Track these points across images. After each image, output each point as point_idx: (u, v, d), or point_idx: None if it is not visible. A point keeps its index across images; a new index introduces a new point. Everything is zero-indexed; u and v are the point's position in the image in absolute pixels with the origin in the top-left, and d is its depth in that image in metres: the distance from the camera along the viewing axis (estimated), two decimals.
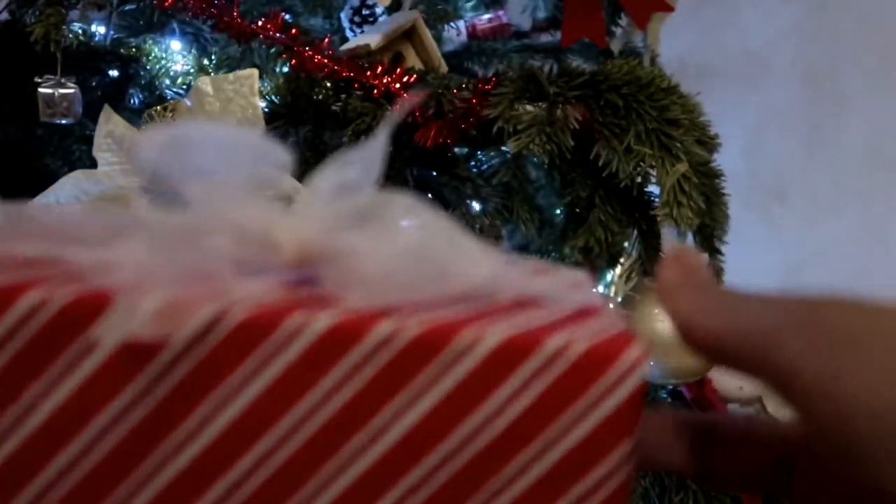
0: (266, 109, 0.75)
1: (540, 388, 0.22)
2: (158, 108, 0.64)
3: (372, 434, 0.22)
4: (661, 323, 0.73)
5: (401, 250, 0.24)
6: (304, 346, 0.22)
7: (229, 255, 0.24)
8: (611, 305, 0.96)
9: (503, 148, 0.72)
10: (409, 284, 0.23)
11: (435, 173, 0.84)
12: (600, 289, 1.02)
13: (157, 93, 0.90)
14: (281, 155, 0.27)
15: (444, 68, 0.84)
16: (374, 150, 0.27)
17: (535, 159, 0.80)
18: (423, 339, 0.22)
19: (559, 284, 0.27)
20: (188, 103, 0.64)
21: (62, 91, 0.79)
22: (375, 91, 0.73)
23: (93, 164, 0.63)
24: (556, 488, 0.23)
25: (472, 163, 0.90)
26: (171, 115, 0.64)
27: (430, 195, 0.84)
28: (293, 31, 0.74)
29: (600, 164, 0.67)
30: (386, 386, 0.22)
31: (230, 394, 0.22)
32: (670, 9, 1.02)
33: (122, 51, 0.89)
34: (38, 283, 0.22)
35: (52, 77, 0.79)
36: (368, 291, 0.23)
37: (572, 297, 0.26)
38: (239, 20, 0.73)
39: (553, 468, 0.23)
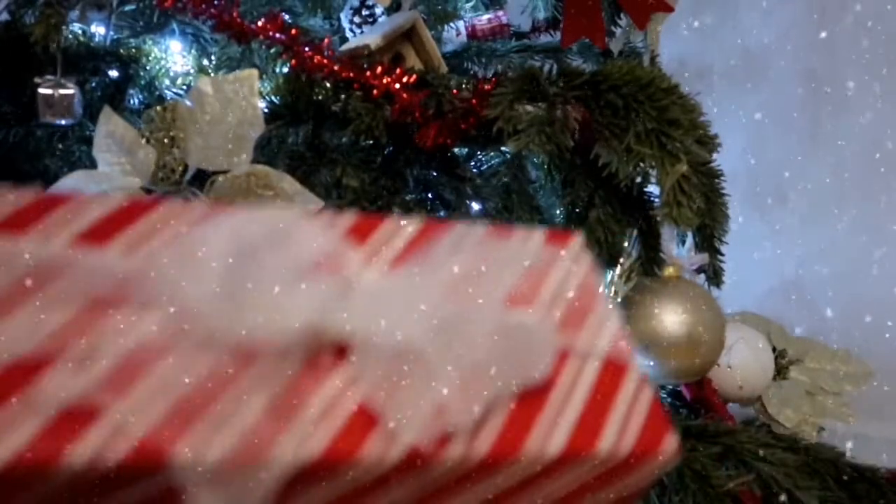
0: (266, 109, 0.75)
1: (591, 475, 0.26)
2: (158, 108, 0.64)
3: None
4: (660, 323, 0.73)
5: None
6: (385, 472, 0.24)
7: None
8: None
9: (503, 148, 0.72)
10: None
11: (435, 173, 0.84)
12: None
13: (157, 93, 0.90)
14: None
15: (444, 68, 0.84)
16: None
17: (535, 159, 0.80)
18: (490, 459, 0.24)
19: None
20: (188, 104, 0.64)
21: (62, 91, 0.79)
22: (375, 91, 0.73)
23: (93, 164, 0.63)
24: None
25: (472, 163, 0.90)
26: (170, 115, 0.64)
27: (430, 195, 0.84)
28: (293, 31, 0.74)
29: (600, 164, 0.67)
30: (462, 491, 0.25)
31: None
32: (670, 9, 1.02)
33: (121, 51, 0.89)
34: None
35: (51, 77, 0.79)
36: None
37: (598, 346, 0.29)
38: (239, 20, 0.73)
39: None
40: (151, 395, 0.21)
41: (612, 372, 0.29)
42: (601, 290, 0.31)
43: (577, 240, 0.34)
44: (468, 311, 0.26)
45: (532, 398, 0.26)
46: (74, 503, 0.21)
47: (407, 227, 0.29)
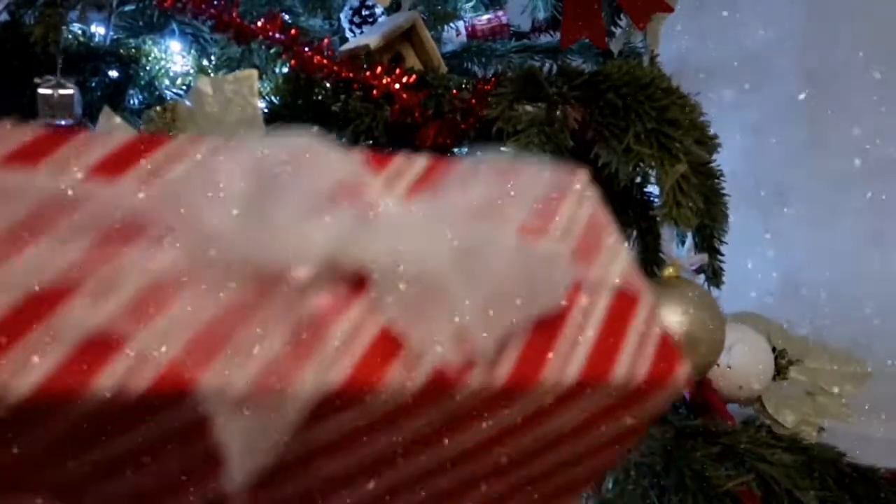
0: (266, 110, 0.75)
1: (606, 403, 0.27)
2: (158, 108, 0.64)
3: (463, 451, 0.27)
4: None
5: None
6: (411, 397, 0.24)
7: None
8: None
9: (503, 148, 0.72)
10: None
11: None
12: None
13: (157, 93, 0.90)
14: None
15: (443, 68, 0.84)
16: None
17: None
18: (510, 386, 0.25)
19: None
20: (188, 104, 0.63)
21: (62, 91, 0.79)
22: (375, 91, 0.73)
23: None
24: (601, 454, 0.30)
25: None
26: (170, 115, 0.64)
27: None
28: (293, 31, 0.74)
29: (599, 164, 0.67)
30: (482, 419, 0.26)
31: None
32: (670, 9, 1.02)
33: (121, 51, 0.89)
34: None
35: (51, 77, 0.79)
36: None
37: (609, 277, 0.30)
38: (239, 20, 0.73)
39: (596, 446, 0.29)
40: (175, 325, 0.22)
41: (625, 303, 0.30)
42: (610, 223, 0.32)
43: (584, 174, 0.34)
44: (487, 239, 0.26)
45: (548, 327, 0.27)
46: (99, 433, 0.21)
47: (420, 160, 0.30)
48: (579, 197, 0.32)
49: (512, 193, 0.29)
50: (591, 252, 0.30)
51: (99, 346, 0.21)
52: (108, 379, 0.20)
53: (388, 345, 0.24)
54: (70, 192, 0.23)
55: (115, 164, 0.25)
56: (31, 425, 0.20)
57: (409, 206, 0.27)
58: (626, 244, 0.32)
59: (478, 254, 0.25)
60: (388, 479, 0.27)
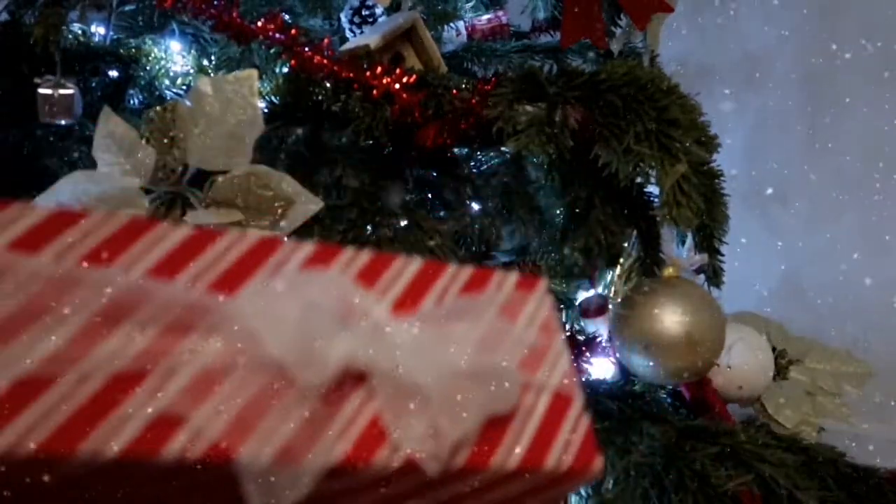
0: (266, 110, 0.75)
1: (538, 484, 0.35)
2: (158, 108, 0.64)
3: None
4: (660, 324, 0.73)
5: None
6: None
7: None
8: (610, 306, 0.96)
9: (503, 148, 0.72)
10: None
11: (435, 173, 0.84)
12: (600, 289, 1.02)
13: (157, 93, 0.90)
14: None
15: (443, 68, 0.84)
16: None
17: (535, 159, 0.80)
18: (466, 469, 0.32)
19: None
20: (188, 104, 0.64)
21: (62, 91, 0.79)
22: (375, 91, 0.73)
23: (93, 164, 0.63)
24: None
25: (472, 163, 0.90)
26: (170, 115, 0.64)
27: (430, 195, 0.84)
28: (293, 31, 0.74)
29: (600, 164, 0.67)
30: (442, 490, 0.33)
31: None
32: (670, 9, 1.02)
33: (121, 51, 0.89)
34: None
35: (51, 77, 0.79)
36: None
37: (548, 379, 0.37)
38: (238, 20, 0.73)
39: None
40: (219, 408, 0.28)
41: (560, 403, 0.36)
42: (558, 330, 0.39)
43: (542, 284, 0.40)
44: (459, 354, 0.33)
45: (498, 423, 0.34)
46: (161, 486, 0.27)
47: (406, 270, 0.36)
48: (534, 308, 0.39)
49: (478, 309, 0.36)
50: (538, 359, 0.37)
51: (166, 422, 0.27)
52: (173, 448, 0.26)
53: (376, 433, 0.31)
54: (139, 289, 0.29)
55: (173, 264, 0.31)
56: (117, 481, 0.27)
57: (405, 324, 0.34)
58: (566, 348, 0.38)
59: (451, 368, 0.32)
60: None
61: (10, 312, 0.26)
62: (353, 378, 0.31)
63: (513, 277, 0.39)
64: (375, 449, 0.30)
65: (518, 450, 0.33)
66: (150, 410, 0.27)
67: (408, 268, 0.36)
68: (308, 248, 0.34)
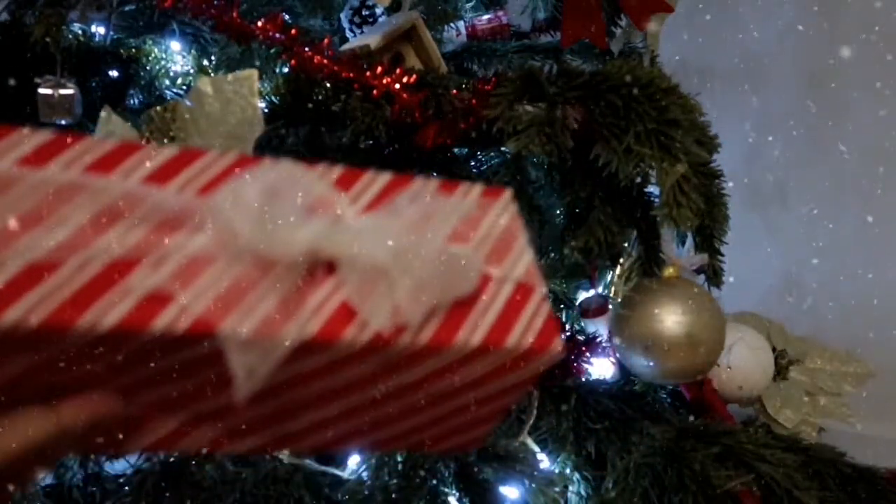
0: (266, 110, 0.75)
1: (500, 363, 0.38)
2: (158, 108, 0.64)
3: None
4: (660, 324, 0.73)
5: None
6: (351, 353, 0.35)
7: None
8: (610, 306, 0.96)
9: (503, 148, 0.72)
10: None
11: (435, 173, 0.84)
12: (600, 289, 1.02)
13: (157, 93, 0.90)
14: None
15: (444, 68, 0.84)
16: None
17: (535, 159, 0.80)
18: (430, 346, 0.36)
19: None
20: (188, 104, 0.64)
21: (62, 91, 0.79)
22: (375, 91, 0.73)
23: None
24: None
25: (472, 163, 0.90)
26: (170, 115, 0.64)
27: None
28: (293, 31, 0.74)
29: (600, 164, 0.67)
30: (409, 369, 0.37)
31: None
32: (670, 9, 1.02)
33: (121, 51, 0.89)
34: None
35: (52, 77, 0.79)
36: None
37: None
38: (239, 21, 0.73)
39: (492, 394, 0.41)
40: (205, 289, 0.32)
41: (523, 292, 0.40)
42: (519, 231, 0.42)
43: (507, 194, 0.44)
44: (421, 242, 0.37)
45: (462, 307, 0.37)
46: (154, 358, 0.32)
47: (380, 179, 0.40)
48: (501, 210, 0.43)
49: (447, 209, 0.40)
50: (502, 254, 0.41)
51: (156, 300, 0.31)
52: (161, 321, 0.31)
53: (346, 313, 0.34)
54: (135, 193, 0.33)
55: (164, 174, 0.35)
56: (113, 350, 0.31)
57: (369, 216, 0.38)
58: (530, 248, 0.42)
59: (414, 252, 0.36)
60: (340, 405, 0.38)
61: (23, 212, 0.31)
62: (324, 267, 0.35)
63: (479, 187, 0.43)
64: (345, 326, 0.34)
65: (481, 329, 0.37)
66: (141, 291, 0.31)
67: (379, 177, 0.40)
68: (286, 163, 0.38)
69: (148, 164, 0.35)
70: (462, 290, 0.37)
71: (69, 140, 0.34)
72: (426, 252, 0.36)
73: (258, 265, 0.33)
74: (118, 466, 0.83)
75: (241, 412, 0.36)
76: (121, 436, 0.36)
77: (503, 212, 0.43)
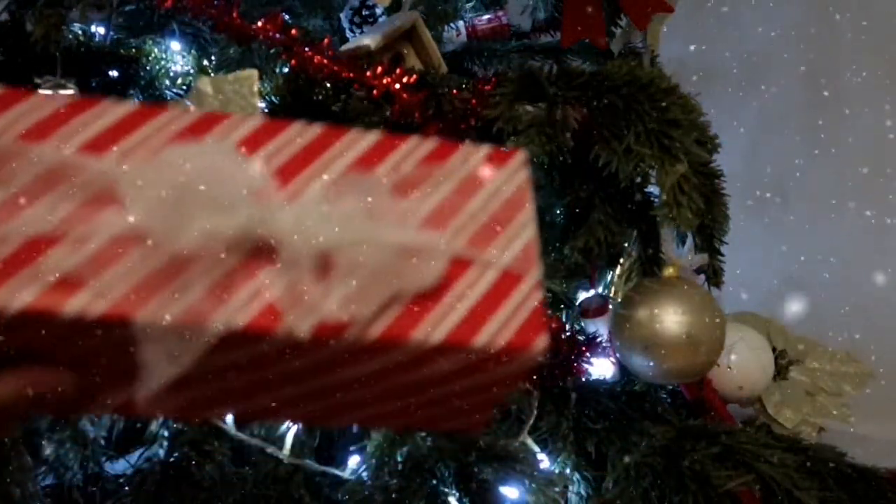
0: (266, 110, 0.75)
1: (468, 363, 0.34)
2: None
3: None
4: (660, 324, 0.73)
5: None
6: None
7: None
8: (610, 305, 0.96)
9: (503, 148, 0.72)
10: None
11: None
12: (600, 289, 1.02)
13: (157, 93, 0.90)
14: None
15: (444, 69, 0.84)
16: None
17: (535, 159, 0.80)
18: (381, 342, 0.32)
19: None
20: (188, 104, 0.64)
21: (62, 91, 0.79)
22: (375, 91, 0.73)
23: None
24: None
25: None
26: None
27: None
28: (293, 31, 0.74)
29: (600, 164, 0.67)
30: (358, 363, 0.34)
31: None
32: (670, 9, 1.02)
33: (122, 51, 0.89)
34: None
35: (52, 77, 0.79)
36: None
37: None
38: (239, 21, 0.73)
39: (465, 391, 0.36)
40: (125, 273, 0.30)
41: (508, 280, 0.35)
42: (526, 205, 0.37)
43: (519, 157, 0.39)
44: (378, 227, 0.33)
45: (428, 299, 0.33)
46: (65, 344, 0.30)
47: (363, 142, 0.36)
48: (502, 181, 0.37)
49: (434, 178, 0.36)
50: (491, 234, 0.36)
51: (71, 283, 0.29)
52: (72, 306, 0.29)
53: (284, 303, 0.31)
54: (69, 162, 0.31)
55: (103, 142, 0.32)
56: (19, 334, 0.30)
57: (325, 194, 0.34)
58: (534, 225, 0.37)
59: (363, 241, 0.33)
60: (277, 396, 0.36)
61: None
62: (264, 253, 0.32)
63: (484, 150, 0.38)
64: (282, 317, 0.31)
65: (445, 325, 0.33)
66: (57, 272, 0.29)
67: (364, 139, 0.36)
68: (257, 121, 0.35)
69: (92, 127, 0.33)
70: (422, 283, 0.33)
71: (11, 98, 0.32)
72: (382, 238, 0.33)
73: (189, 247, 0.31)
74: (118, 466, 0.83)
75: (181, 392, 0.33)
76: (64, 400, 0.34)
77: (508, 181, 0.37)
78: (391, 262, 0.33)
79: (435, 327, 0.33)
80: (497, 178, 0.37)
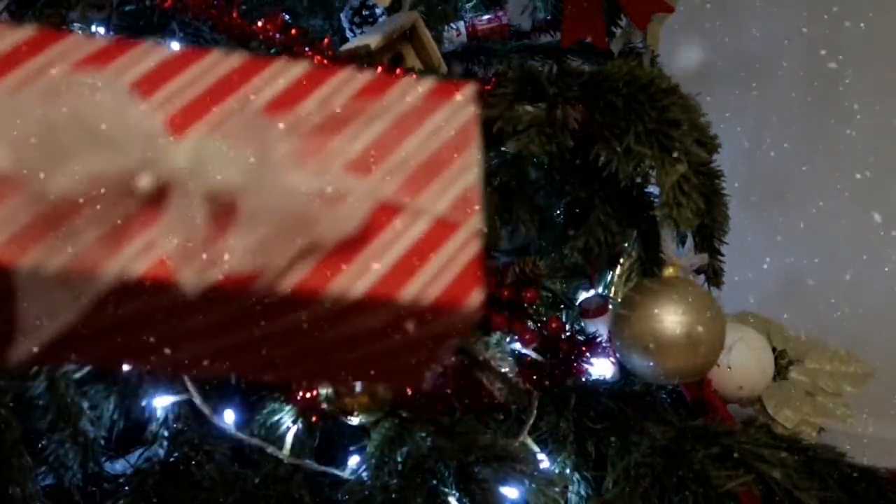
0: None
1: (394, 318, 0.31)
2: None
3: None
4: (660, 323, 0.74)
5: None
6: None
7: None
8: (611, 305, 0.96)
9: (503, 148, 0.72)
10: None
11: None
12: (600, 289, 1.02)
13: None
14: None
15: (444, 68, 0.84)
16: None
17: (535, 159, 0.80)
18: (295, 295, 0.30)
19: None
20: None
21: None
22: None
23: None
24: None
25: None
26: None
27: None
28: (293, 31, 0.74)
29: (600, 164, 0.67)
30: (270, 318, 0.31)
31: None
32: (670, 9, 1.02)
33: None
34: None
35: None
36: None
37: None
38: (238, 21, 0.73)
39: (395, 349, 0.33)
40: (12, 214, 0.27)
41: (442, 230, 0.32)
42: (472, 147, 0.33)
43: (468, 90, 0.34)
44: (293, 167, 0.30)
45: (349, 248, 0.30)
46: None
47: (291, 72, 0.32)
48: (448, 116, 0.33)
49: (367, 115, 0.32)
50: (425, 179, 0.32)
51: None
52: None
53: (183, 253, 0.28)
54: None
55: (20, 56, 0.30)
56: None
57: (234, 127, 0.30)
58: (477, 170, 0.33)
59: (279, 180, 0.29)
60: (193, 350, 0.33)
61: None
62: (158, 196, 0.29)
63: (427, 83, 0.33)
64: (182, 267, 0.28)
65: (368, 278, 0.30)
66: None
67: (292, 69, 0.32)
68: (168, 53, 0.31)
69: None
70: (342, 231, 0.30)
71: None
72: (293, 183, 0.30)
73: (70, 191, 0.28)
74: (118, 466, 0.83)
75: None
76: None
77: (451, 118, 0.33)
78: (305, 208, 0.30)
79: (356, 280, 0.30)
80: (439, 115, 0.33)
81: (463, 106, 0.34)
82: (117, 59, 0.31)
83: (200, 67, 0.31)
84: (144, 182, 0.28)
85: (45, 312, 0.28)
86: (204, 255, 0.29)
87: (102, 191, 0.28)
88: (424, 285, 0.30)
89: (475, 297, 0.31)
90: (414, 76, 0.34)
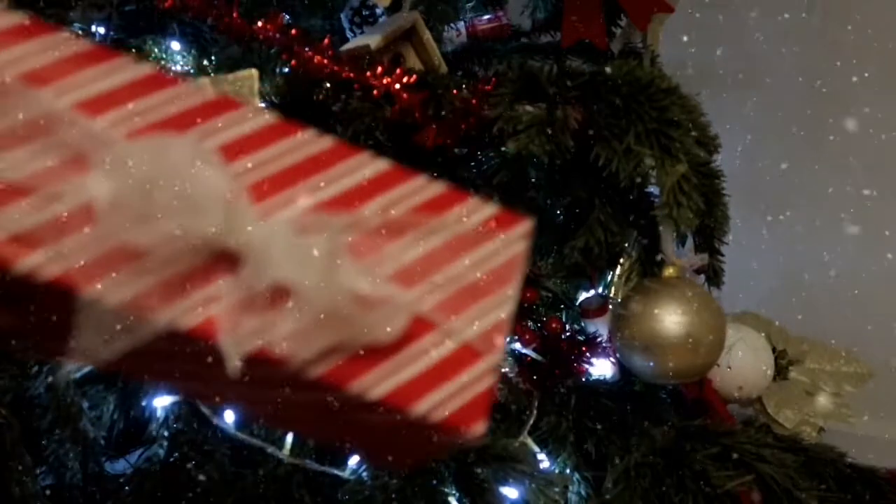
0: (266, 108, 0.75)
1: (404, 421, 0.32)
2: None
3: None
4: (660, 323, 0.74)
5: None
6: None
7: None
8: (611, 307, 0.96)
9: (503, 148, 0.72)
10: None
11: (435, 174, 0.83)
12: (600, 289, 1.02)
13: None
14: None
15: (444, 68, 0.84)
16: None
17: (535, 159, 0.80)
18: (317, 382, 0.31)
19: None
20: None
21: None
22: (375, 91, 0.73)
23: None
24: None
25: (472, 163, 0.90)
26: None
27: None
28: (293, 31, 0.74)
29: (600, 164, 0.67)
30: (292, 391, 0.33)
31: None
32: (670, 9, 1.02)
33: (121, 51, 0.89)
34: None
35: None
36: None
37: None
38: (239, 21, 0.73)
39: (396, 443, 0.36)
40: (88, 243, 0.29)
41: (466, 355, 0.33)
42: (513, 278, 0.34)
43: (523, 225, 0.36)
44: (344, 269, 0.31)
45: (377, 353, 0.31)
46: (11, 295, 0.29)
47: (366, 169, 0.33)
48: (500, 247, 0.35)
49: (426, 230, 0.33)
50: (465, 302, 0.33)
51: (29, 241, 0.28)
52: (24, 264, 0.28)
53: (237, 320, 0.30)
54: (61, 116, 0.29)
55: (103, 103, 0.31)
56: None
57: (304, 216, 0.32)
58: (513, 302, 0.34)
59: (328, 280, 0.31)
60: (214, 388, 0.35)
61: None
62: (226, 260, 0.30)
63: (490, 209, 0.35)
64: (227, 330, 0.30)
65: (386, 385, 0.31)
66: (18, 225, 0.28)
67: (367, 166, 0.33)
68: (263, 122, 0.33)
69: (100, 84, 0.31)
70: (375, 336, 0.31)
71: (30, 30, 0.30)
72: (344, 282, 0.31)
73: (146, 238, 0.29)
74: (118, 466, 0.83)
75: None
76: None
77: (503, 249, 0.35)
78: (347, 308, 0.31)
79: (375, 385, 0.31)
80: (492, 244, 0.34)
81: (516, 240, 0.35)
82: (222, 115, 0.32)
83: (289, 143, 0.33)
84: (221, 245, 0.30)
85: (98, 337, 0.29)
86: (249, 326, 0.30)
87: (179, 245, 0.30)
88: (436, 405, 0.32)
89: (479, 427, 0.32)
90: (480, 200, 0.35)
